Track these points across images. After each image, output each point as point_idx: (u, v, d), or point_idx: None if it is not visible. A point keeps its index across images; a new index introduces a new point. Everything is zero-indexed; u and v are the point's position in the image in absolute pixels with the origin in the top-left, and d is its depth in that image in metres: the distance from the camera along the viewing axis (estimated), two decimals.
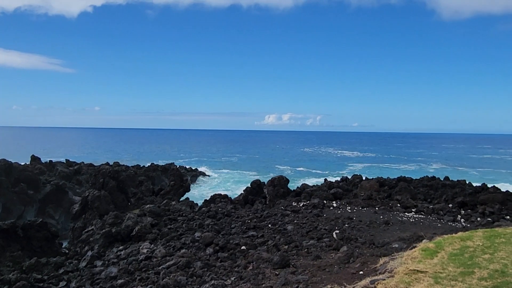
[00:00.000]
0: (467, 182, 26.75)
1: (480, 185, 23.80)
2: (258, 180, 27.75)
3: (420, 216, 19.03)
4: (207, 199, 26.56)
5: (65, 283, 13.32)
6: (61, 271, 14.69)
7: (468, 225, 16.97)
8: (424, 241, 10.15)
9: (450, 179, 27.88)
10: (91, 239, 18.63)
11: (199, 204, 24.69)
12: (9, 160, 31.36)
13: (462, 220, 18.38)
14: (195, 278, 11.13)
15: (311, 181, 42.44)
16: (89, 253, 16.58)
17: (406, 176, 29.29)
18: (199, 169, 66.57)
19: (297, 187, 27.45)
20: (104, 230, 17.78)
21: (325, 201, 22.17)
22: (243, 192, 27.38)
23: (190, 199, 26.06)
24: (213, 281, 10.48)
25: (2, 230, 17.03)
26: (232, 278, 10.72)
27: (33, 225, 18.16)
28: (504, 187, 26.01)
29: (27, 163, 39.39)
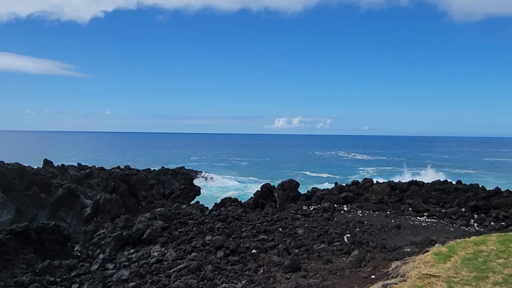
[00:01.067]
0: (480, 186, 26.44)
1: (493, 189, 23.51)
2: (268, 184, 27.69)
3: (432, 220, 18.83)
4: (218, 202, 26.56)
5: (77, 285, 13.43)
6: (73, 273, 14.81)
7: (482, 230, 16.74)
8: (436, 245, 10.05)
9: (463, 183, 27.58)
10: (102, 242, 18.75)
11: (210, 208, 24.73)
12: (22, 164, 31.77)
13: (475, 224, 18.16)
14: (206, 281, 11.14)
15: (321, 185, 42.23)
16: (101, 256, 16.70)
17: (418, 179, 29.05)
18: (209, 173, 66.76)
19: (308, 190, 27.34)
20: (115, 233, 17.90)
21: (335, 205, 22.05)
22: (253, 195, 27.34)
23: (200, 203, 26.10)
24: (224, 285, 10.49)
25: (16, 233, 17.24)
26: (243, 282, 10.72)
27: (46, 228, 18.35)
28: None
29: (40, 166, 39.87)
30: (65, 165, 43.02)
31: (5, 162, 30.78)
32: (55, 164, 42.39)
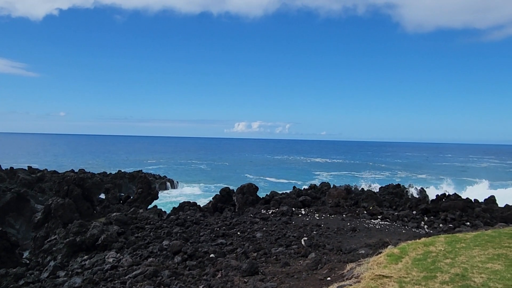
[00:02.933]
0: (430, 189, 27.65)
1: (442, 193, 24.65)
2: (227, 188, 27.66)
3: (385, 222, 19.49)
4: (176, 206, 26.22)
5: None
6: (21, 282, 14.11)
7: (431, 231, 17.52)
8: (389, 247, 10.41)
9: (414, 186, 28.74)
10: (54, 248, 18.00)
11: (167, 212, 24.35)
12: None
13: (426, 226, 18.96)
14: (162, 287, 10.95)
15: (280, 189, 42.64)
16: (52, 263, 16.02)
17: (373, 183, 29.97)
18: (168, 177, 65.61)
19: (266, 194, 27.52)
20: (68, 239, 17.23)
21: (293, 209, 22.34)
22: (212, 199, 27.21)
23: (158, 207, 25.66)
24: None
25: None
26: (201, 287, 10.62)
27: None
28: (463, 194, 27.03)
29: None
30: (14, 168, 41.00)
31: None
32: (3, 167, 40.34)
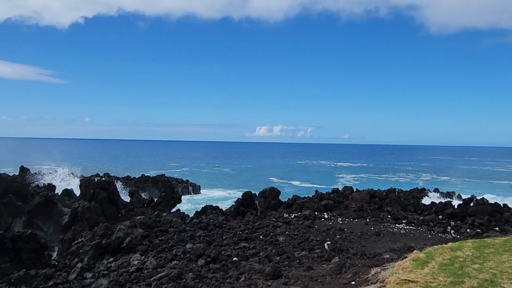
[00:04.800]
0: (456, 194, 27.06)
1: (469, 196, 24.10)
2: (249, 192, 27.69)
3: (410, 227, 19.17)
4: (198, 210, 26.41)
5: None
6: (50, 283, 14.49)
7: (458, 236, 17.13)
8: (414, 251, 10.24)
9: (440, 191, 28.18)
10: (80, 251, 18.40)
11: (190, 216, 24.57)
12: None
13: (452, 231, 18.57)
14: None
15: (302, 193, 42.48)
16: (79, 265, 16.40)
17: (397, 187, 29.53)
18: (190, 181, 66.25)
19: (288, 198, 27.47)
20: (94, 242, 17.60)
21: (316, 213, 22.22)
22: (234, 203, 27.31)
23: (181, 211, 25.91)
24: None
25: None
26: None
27: (22, 236, 17.93)
28: (491, 198, 26.33)
29: (16, 174, 38.94)
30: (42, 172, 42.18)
31: None
32: (32, 171, 41.54)
